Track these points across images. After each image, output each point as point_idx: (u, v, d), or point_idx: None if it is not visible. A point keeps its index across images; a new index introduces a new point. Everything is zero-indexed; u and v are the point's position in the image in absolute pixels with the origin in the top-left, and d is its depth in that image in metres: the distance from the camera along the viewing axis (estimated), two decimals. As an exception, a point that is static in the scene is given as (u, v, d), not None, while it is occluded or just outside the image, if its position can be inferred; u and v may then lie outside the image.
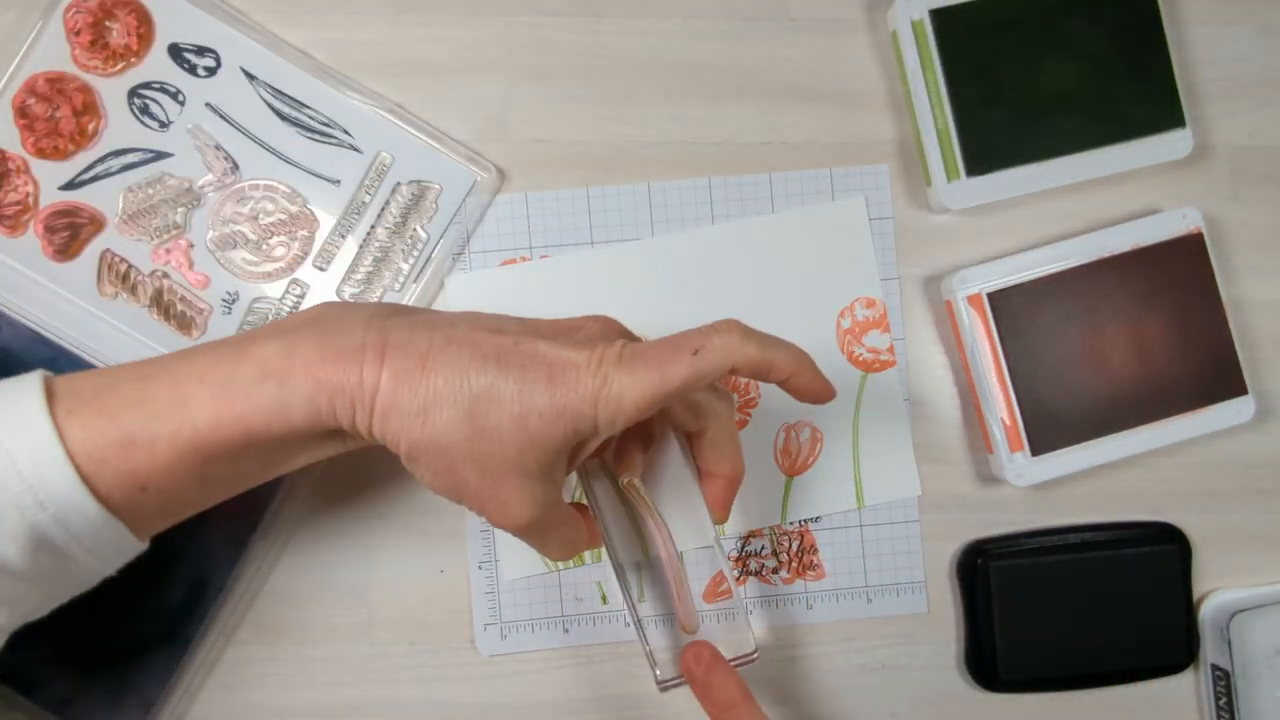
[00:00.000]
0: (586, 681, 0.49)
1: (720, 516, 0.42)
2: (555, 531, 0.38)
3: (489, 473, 0.34)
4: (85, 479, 0.32)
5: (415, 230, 0.48)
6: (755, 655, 0.43)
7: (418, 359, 0.34)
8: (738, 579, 0.49)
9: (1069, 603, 0.48)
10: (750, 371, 0.36)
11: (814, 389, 0.38)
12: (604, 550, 0.45)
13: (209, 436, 0.33)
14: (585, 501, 0.43)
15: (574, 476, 0.44)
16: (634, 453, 0.41)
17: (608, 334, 0.37)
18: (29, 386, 0.33)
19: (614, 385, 0.34)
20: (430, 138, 0.48)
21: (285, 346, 0.34)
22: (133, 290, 0.47)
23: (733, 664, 0.42)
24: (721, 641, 0.43)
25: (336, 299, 0.47)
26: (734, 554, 0.49)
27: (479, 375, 0.34)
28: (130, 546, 0.35)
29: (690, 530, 0.44)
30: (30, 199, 0.47)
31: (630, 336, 0.39)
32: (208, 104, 0.47)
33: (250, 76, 0.47)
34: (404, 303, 0.48)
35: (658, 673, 0.42)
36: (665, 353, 0.35)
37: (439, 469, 0.35)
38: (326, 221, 0.48)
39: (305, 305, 0.48)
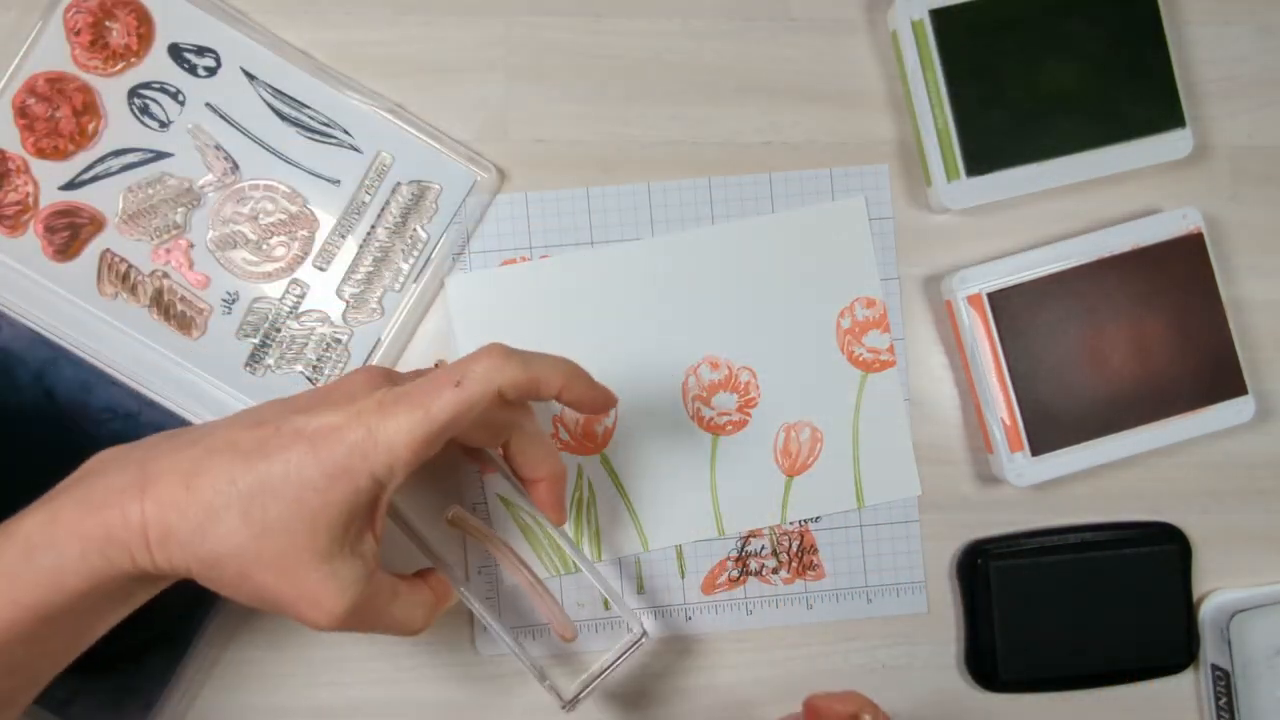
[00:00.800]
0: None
1: (555, 518, 0.42)
2: (386, 610, 0.37)
3: (286, 570, 0.33)
4: None
5: (415, 230, 0.48)
6: (644, 635, 0.44)
7: (181, 481, 0.33)
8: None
9: (1069, 603, 0.48)
10: (519, 393, 0.36)
11: (590, 399, 0.38)
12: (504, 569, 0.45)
13: None
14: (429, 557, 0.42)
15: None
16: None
17: (370, 385, 0.36)
18: None
19: (380, 434, 0.33)
20: (430, 138, 0.48)
21: (49, 514, 0.33)
22: (133, 290, 0.47)
23: (622, 654, 0.43)
24: (602, 634, 0.44)
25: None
26: (734, 554, 0.49)
27: (244, 474, 0.33)
28: None
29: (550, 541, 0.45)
30: (30, 199, 0.47)
31: (395, 380, 0.37)
32: (208, 104, 0.47)
33: (250, 76, 0.47)
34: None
35: (562, 697, 0.42)
36: (427, 389, 0.34)
37: (233, 580, 0.34)
38: (326, 221, 0.48)
39: (305, 305, 0.48)
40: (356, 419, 0.33)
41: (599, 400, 0.39)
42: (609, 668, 0.43)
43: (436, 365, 0.41)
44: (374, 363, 0.48)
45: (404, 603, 0.38)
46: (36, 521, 0.33)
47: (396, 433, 0.33)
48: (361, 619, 0.35)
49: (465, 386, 0.34)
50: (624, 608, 0.45)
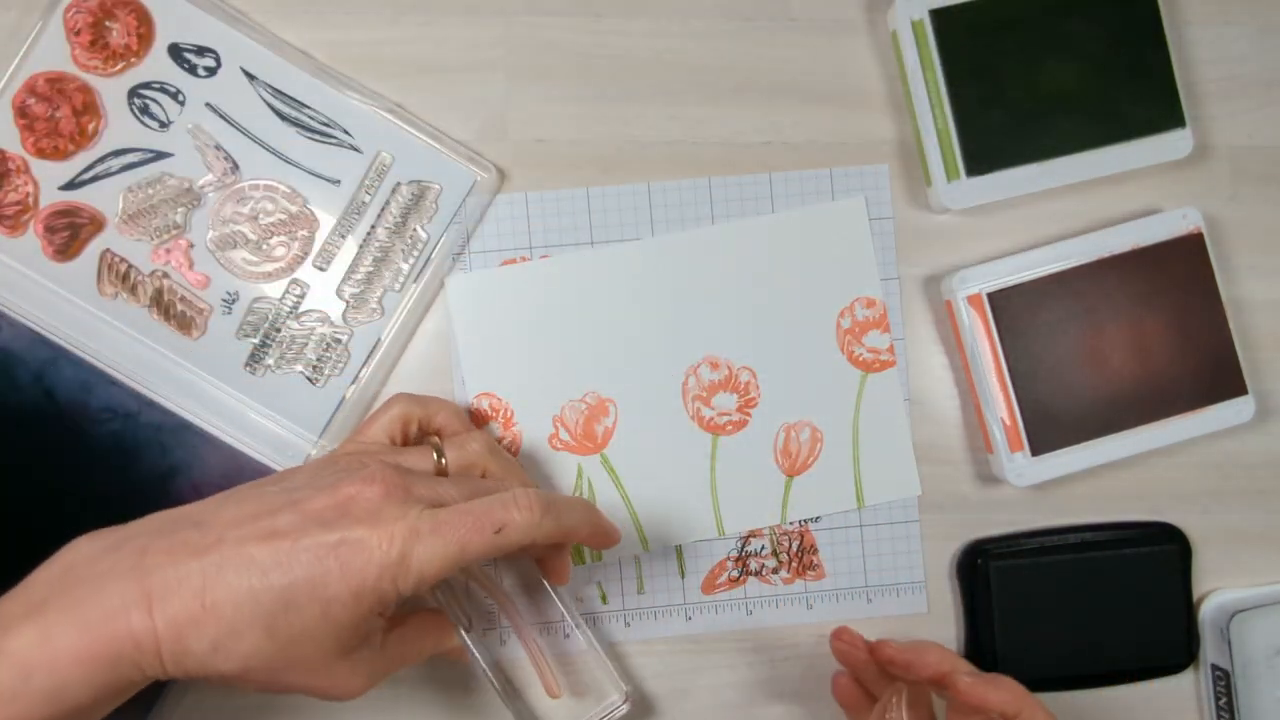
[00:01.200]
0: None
1: (560, 581, 0.44)
2: (395, 668, 0.39)
3: (312, 669, 0.35)
4: None
5: (415, 230, 0.48)
6: (626, 702, 0.45)
7: (194, 598, 0.32)
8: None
9: (1069, 603, 0.48)
10: (545, 545, 0.38)
11: (602, 540, 0.42)
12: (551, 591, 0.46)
13: None
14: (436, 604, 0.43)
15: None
16: None
17: (389, 488, 0.36)
18: None
19: (413, 559, 0.34)
20: (430, 138, 0.48)
21: (40, 633, 0.31)
22: (133, 290, 0.47)
23: None
24: (589, 695, 0.45)
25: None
26: (734, 554, 0.49)
27: (266, 592, 0.33)
28: None
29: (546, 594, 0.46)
30: (30, 199, 0.47)
31: (408, 482, 0.37)
32: (208, 104, 0.47)
33: (250, 76, 0.47)
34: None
35: None
36: (468, 527, 0.35)
37: (260, 683, 0.34)
38: (326, 221, 0.48)
39: (305, 306, 0.48)
40: (390, 543, 0.34)
41: (610, 539, 0.42)
42: None
43: (432, 444, 0.42)
44: (374, 362, 0.48)
45: (402, 656, 0.39)
46: (29, 640, 0.31)
47: (429, 561, 0.34)
48: (374, 682, 0.37)
49: (505, 535, 0.36)
50: (610, 674, 0.46)
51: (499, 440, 0.48)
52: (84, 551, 0.34)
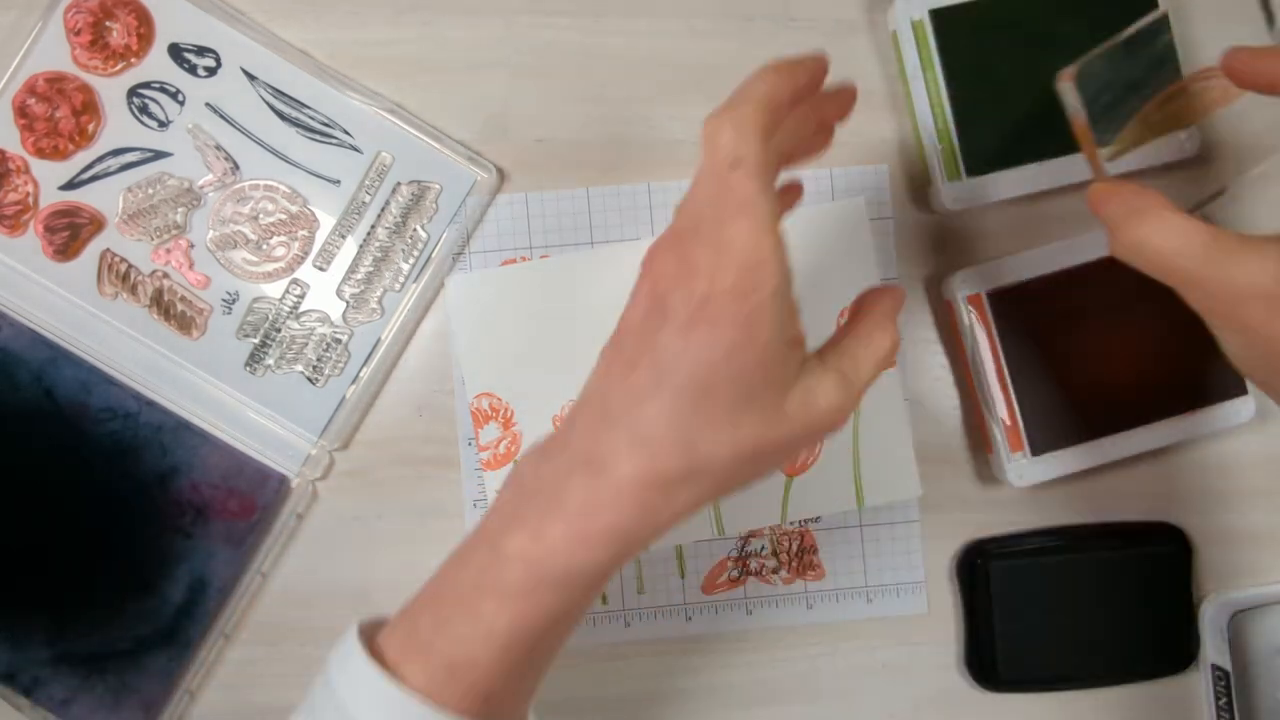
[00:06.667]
0: (587, 681, 0.49)
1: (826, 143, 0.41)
2: (860, 367, 0.35)
3: (767, 426, 0.32)
4: (442, 707, 0.31)
5: (415, 230, 0.48)
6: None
7: (636, 452, 0.32)
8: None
9: (1069, 603, 0.48)
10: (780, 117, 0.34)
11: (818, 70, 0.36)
12: None
13: (518, 633, 0.32)
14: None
15: None
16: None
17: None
18: (359, 661, 0.32)
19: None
20: (430, 138, 0.48)
21: (530, 534, 0.32)
22: (133, 290, 0.47)
23: None
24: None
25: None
26: (734, 554, 0.49)
27: (680, 399, 0.32)
28: None
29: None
30: (30, 199, 0.47)
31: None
32: (208, 104, 0.47)
33: (250, 76, 0.47)
34: (406, 294, 0.48)
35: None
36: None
37: (745, 477, 0.33)
38: (327, 221, 0.48)
39: (305, 306, 0.48)
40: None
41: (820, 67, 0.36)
42: None
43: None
44: (374, 362, 0.48)
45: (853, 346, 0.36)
46: (524, 542, 0.32)
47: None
48: (848, 394, 0.34)
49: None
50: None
51: (498, 441, 0.48)
52: (524, 471, 0.34)
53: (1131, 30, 0.39)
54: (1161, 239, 0.34)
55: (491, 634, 0.32)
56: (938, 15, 0.47)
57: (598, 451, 0.32)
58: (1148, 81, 0.40)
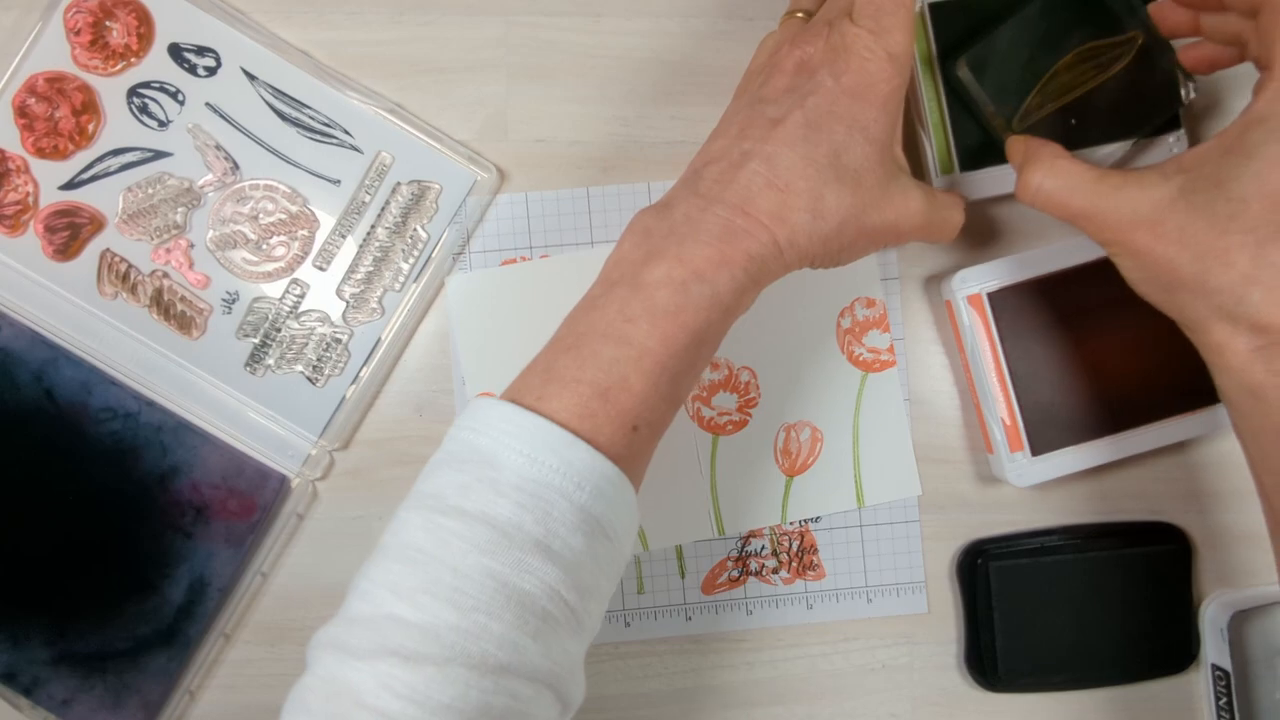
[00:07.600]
0: (587, 681, 0.49)
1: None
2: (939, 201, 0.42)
3: (879, 200, 0.38)
4: (589, 441, 0.33)
5: (415, 230, 0.48)
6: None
7: (772, 191, 0.36)
8: (742, 571, 0.49)
9: (1069, 603, 0.48)
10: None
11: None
12: None
13: (667, 354, 0.34)
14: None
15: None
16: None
17: (815, 27, 0.39)
18: (491, 404, 0.34)
19: (888, 45, 0.38)
20: (430, 138, 0.48)
21: (673, 261, 0.35)
22: (133, 290, 0.47)
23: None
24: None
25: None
26: (734, 554, 0.49)
27: (815, 149, 0.37)
28: (634, 508, 0.36)
29: None
30: (30, 199, 0.47)
31: None
32: (208, 104, 0.47)
33: (250, 76, 0.47)
34: (402, 295, 0.48)
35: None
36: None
37: (852, 235, 0.38)
38: (327, 221, 0.48)
39: (305, 306, 0.48)
40: (867, 45, 0.37)
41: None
42: None
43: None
44: (374, 362, 0.48)
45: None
46: (668, 268, 0.35)
47: (900, 38, 0.38)
48: (929, 205, 0.41)
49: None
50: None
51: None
52: (648, 223, 0.37)
53: (1016, 16, 0.45)
54: (1055, 180, 0.38)
55: (644, 354, 0.34)
56: (937, 11, 0.47)
57: (735, 191, 0.36)
58: (1038, 58, 0.45)
